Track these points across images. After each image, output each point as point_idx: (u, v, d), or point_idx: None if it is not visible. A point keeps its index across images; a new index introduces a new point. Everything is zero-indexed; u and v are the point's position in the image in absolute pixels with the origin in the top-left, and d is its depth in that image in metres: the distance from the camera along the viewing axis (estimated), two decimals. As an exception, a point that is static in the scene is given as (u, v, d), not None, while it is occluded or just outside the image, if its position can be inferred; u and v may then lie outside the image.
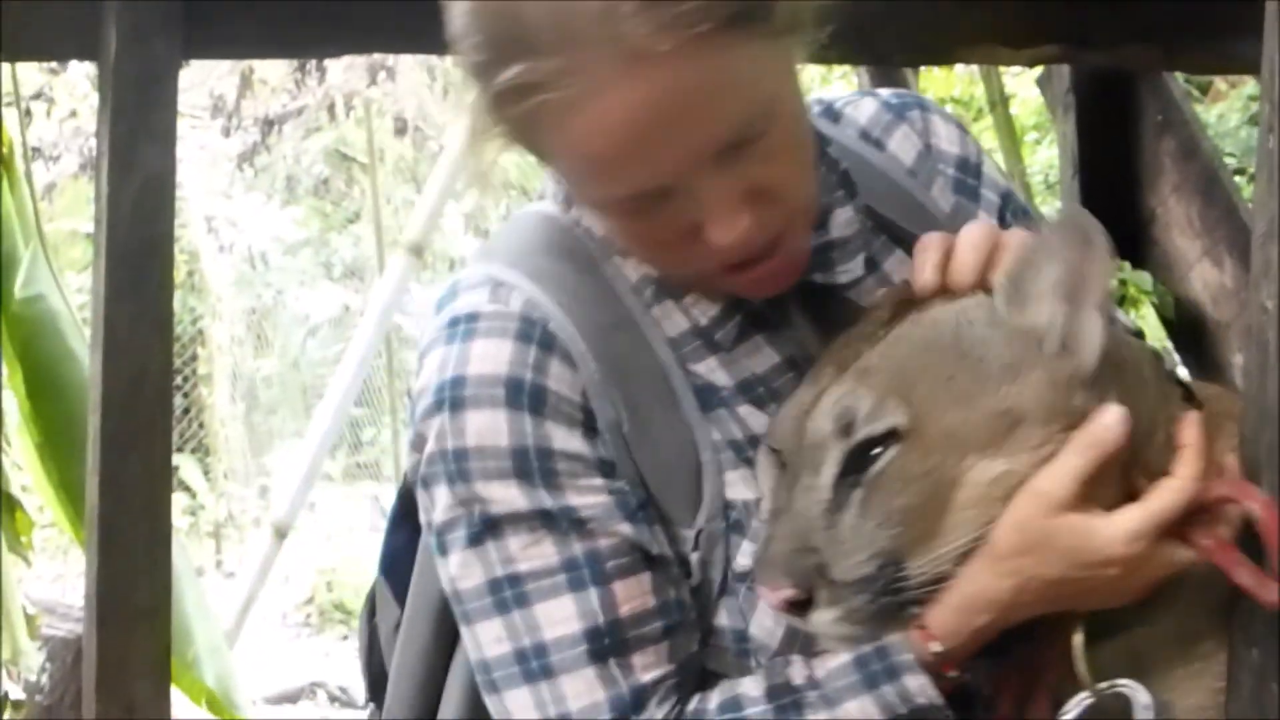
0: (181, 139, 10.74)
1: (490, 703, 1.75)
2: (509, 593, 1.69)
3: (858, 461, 1.76)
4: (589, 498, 1.67)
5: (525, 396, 1.64)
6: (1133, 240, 4.89)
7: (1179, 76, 4.88)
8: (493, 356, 1.65)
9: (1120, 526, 1.68)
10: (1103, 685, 1.98)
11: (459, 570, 1.73)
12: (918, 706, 1.71)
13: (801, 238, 1.78)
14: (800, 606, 1.76)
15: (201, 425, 15.53)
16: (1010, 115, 6.77)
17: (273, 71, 11.59)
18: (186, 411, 15.06)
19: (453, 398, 1.67)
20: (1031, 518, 1.70)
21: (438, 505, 1.73)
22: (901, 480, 1.76)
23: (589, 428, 1.66)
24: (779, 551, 1.80)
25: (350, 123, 13.49)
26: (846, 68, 6.45)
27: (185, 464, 14.53)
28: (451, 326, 1.70)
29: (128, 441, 2.85)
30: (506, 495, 1.67)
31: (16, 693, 5.78)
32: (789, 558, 1.79)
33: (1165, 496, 1.69)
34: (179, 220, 10.65)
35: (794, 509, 1.78)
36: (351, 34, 3.28)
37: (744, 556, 1.71)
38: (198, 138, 12.36)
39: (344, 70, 11.33)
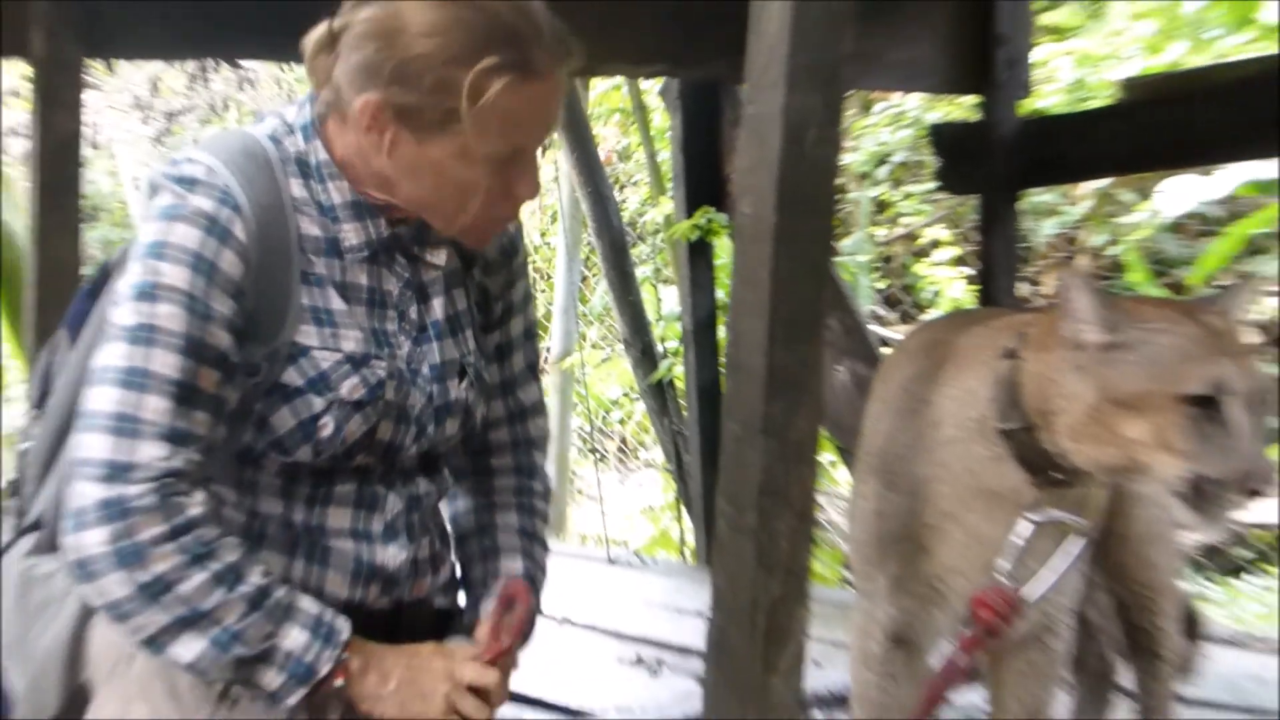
0: (113, 124, 10.44)
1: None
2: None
3: None
4: (217, 298, 1.54)
5: (219, 228, 1.54)
6: (717, 196, 4.89)
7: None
8: (205, 205, 1.55)
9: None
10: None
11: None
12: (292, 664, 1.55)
13: None
14: None
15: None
16: (648, 118, 6.80)
17: (174, 81, 11.34)
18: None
19: (173, 207, 1.56)
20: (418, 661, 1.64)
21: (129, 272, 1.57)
22: None
23: (246, 262, 1.55)
24: None
25: (231, 120, 13.23)
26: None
27: None
28: (178, 181, 1.58)
29: None
30: (179, 277, 1.52)
31: None
32: None
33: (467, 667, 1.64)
34: (115, 180, 10.19)
35: None
36: (226, 44, 3.18)
37: (288, 376, 1.59)
38: (125, 123, 11.99)
39: (221, 81, 11.17)
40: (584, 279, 8.62)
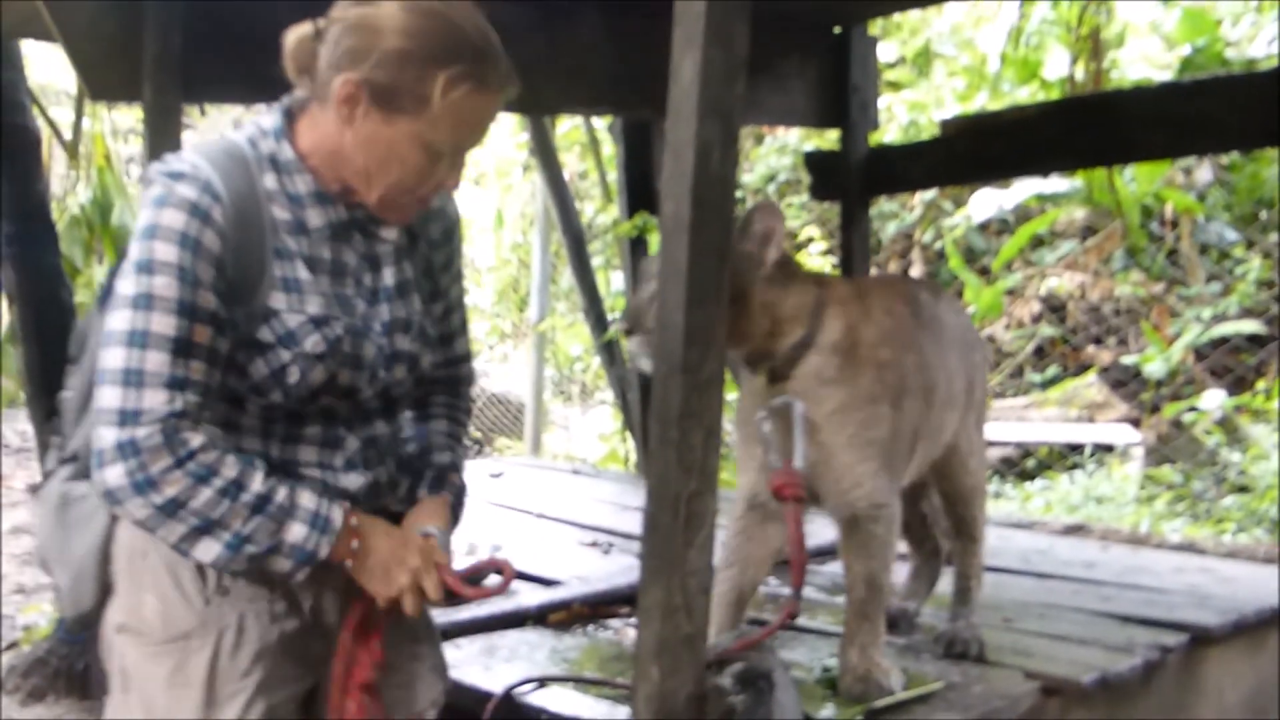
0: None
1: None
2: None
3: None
4: (202, 268, 1.43)
5: (200, 211, 1.42)
6: (650, 203, 4.75)
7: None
8: (189, 194, 1.43)
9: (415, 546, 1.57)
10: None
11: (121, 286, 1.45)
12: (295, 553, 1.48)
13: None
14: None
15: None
16: (600, 147, 6.73)
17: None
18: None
19: (163, 196, 1.45)
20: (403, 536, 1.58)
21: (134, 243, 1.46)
22: None
23: (224, 239, 1.42)
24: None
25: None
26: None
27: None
28: (168, 175, 1.46)
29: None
30: (170, 253, 1.42)
31: None
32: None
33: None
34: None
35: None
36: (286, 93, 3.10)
37: (262, 333, 1.49)
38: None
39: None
40: (554, 266, 8.58)
